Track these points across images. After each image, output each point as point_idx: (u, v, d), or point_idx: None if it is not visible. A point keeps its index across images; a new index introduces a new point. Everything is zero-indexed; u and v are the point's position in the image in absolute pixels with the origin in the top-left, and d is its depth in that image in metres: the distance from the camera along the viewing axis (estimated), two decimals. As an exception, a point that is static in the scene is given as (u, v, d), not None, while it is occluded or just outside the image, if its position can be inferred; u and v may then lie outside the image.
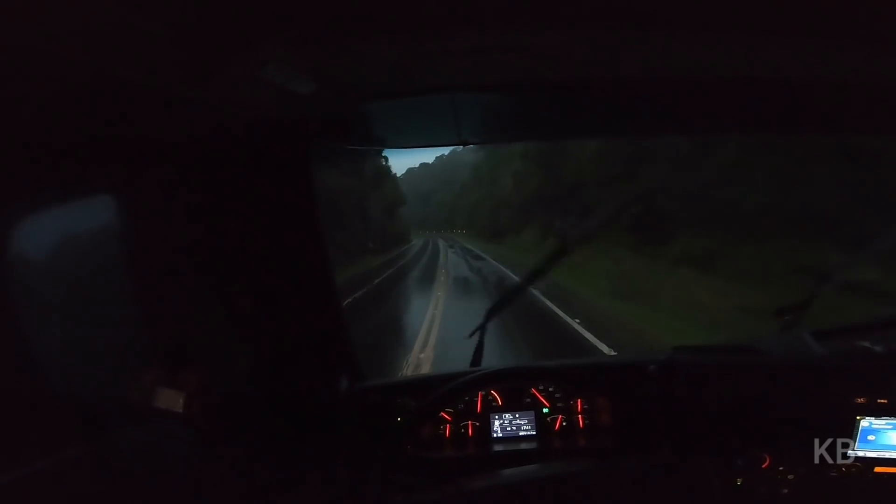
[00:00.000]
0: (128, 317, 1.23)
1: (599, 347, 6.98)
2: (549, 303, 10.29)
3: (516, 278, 14.28)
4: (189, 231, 1.28)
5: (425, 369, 6.12)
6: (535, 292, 10.66)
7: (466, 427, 1.57)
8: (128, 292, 1.23)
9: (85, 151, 1.02)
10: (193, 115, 1.05)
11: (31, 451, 0.94)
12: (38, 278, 1.07)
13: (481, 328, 1.70)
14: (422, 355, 6.80)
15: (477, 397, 1.58)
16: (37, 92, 0.79)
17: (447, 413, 1.57)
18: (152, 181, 1.18)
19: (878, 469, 1.30)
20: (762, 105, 1.32)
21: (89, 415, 1.07)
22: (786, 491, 1.30)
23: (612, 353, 6.28)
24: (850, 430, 1.31)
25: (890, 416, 1.30)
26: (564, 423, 1.57)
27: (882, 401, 1.30)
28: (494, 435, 1.56)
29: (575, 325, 8.48)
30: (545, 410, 1.58)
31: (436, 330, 8.36)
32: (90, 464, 1.03)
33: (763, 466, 1.33)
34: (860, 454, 1.31)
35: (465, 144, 1.45)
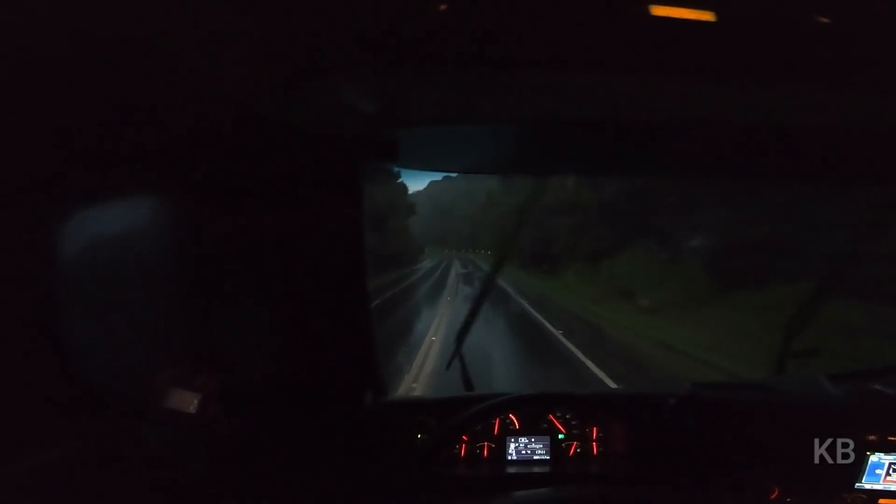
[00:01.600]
0: (157, 317, 1.24)
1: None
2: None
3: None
4: (229, 235, 1.30)
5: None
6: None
7: (482, 448, 1.58)
8: (159, 293, 1.24)
9: (131, 151, 1.03)
10: (261, 124, 1.08)
11: (50, 441, 0.95)
12: (75, 276, 1.07)
13: (457, 355, 1.75)
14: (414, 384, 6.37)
15: (495, 421, 1.60)
16: (87, 90, 0.81)
17: (465, 434, 1.58)
18: (197, 183, 1.20)
19: (881, 501, 1.37)
20: (804, 154, 1.38)
21: (113, 409, 1.07)
22: None
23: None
24: (860, 465, 1.37)
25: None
26: (579, 450, 1.59)
27: (892, 438, 1.36)
28: (509, 457, 1.58)
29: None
30: (561, 436, 1.60)
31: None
32: (101, 457, 1.02)
33: (772, 497, 1.37)
34: (867, 487, 1.37)
35: (503, 174, 1.49)
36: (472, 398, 1.58)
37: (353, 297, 1.49)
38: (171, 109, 0.97)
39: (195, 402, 1.13)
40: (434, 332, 10.04)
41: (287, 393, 1.46)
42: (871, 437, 1.37)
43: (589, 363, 7.45)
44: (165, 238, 1.24)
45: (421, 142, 1.41)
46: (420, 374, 6.85)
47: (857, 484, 1.36)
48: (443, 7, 0.76)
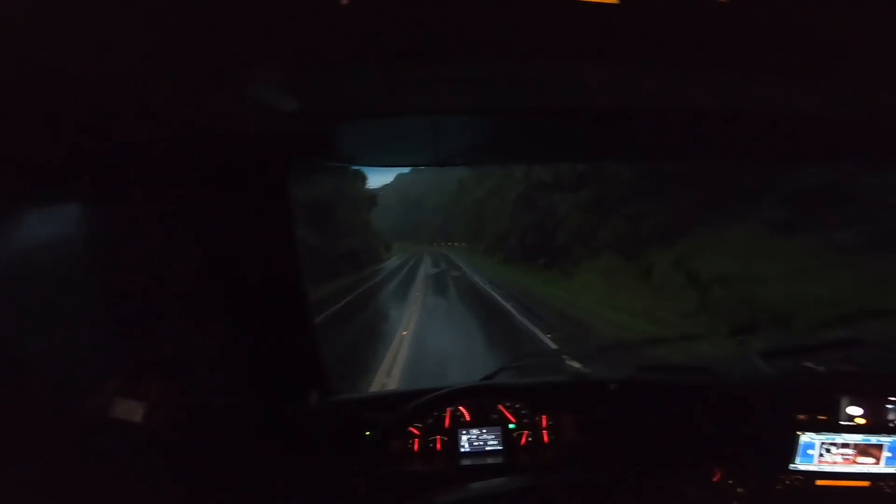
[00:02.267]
0: (97, 326, 1.20)
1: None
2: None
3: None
4: (163, 241, 1.27)
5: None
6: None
7: (435, 442, 1.59)
8: (98, 301, 1.21)
9: (63, 159, 1.01)
10: (177, 127, 1.05)
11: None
12: (8, 285, 1.05)
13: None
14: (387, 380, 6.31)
15: (445, 413, 1.60)
16: (19, 99, 0.78)
17: (416, 428, 1.58)
18: (129, 190, 1.17)
19: (819, 482, 1.40)
20: (735, 134, 1.41)
21: (54, 424, 1.05)
22: None
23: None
24: (792, 445, 1.41)
25: (829, 432, 1.39)
26: (530, 439, 1.61)
27: (821, 417, 1.40)
28: (462, 450, 1.59)
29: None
30: (511, 426, 1.61)
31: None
32: (49, 475, 1.00)
33: (714, 480, 1.40)
34: (801, 468, 1.41)
35: (443, 165, 1.48)
36: (420, 392, 1.58)
37: (291, 296, 1.47)
38: (93, 119, 0.93)
39: (140, 410, 1.12)
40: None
41: (231, 397, 1.43)
42: (801, 417, 1.41)
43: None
44: (95, 246, 1.21)
45: (357, 137, 1.39)
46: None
47: (792, 465, 1.41)
48: (344, 1, 0.74)
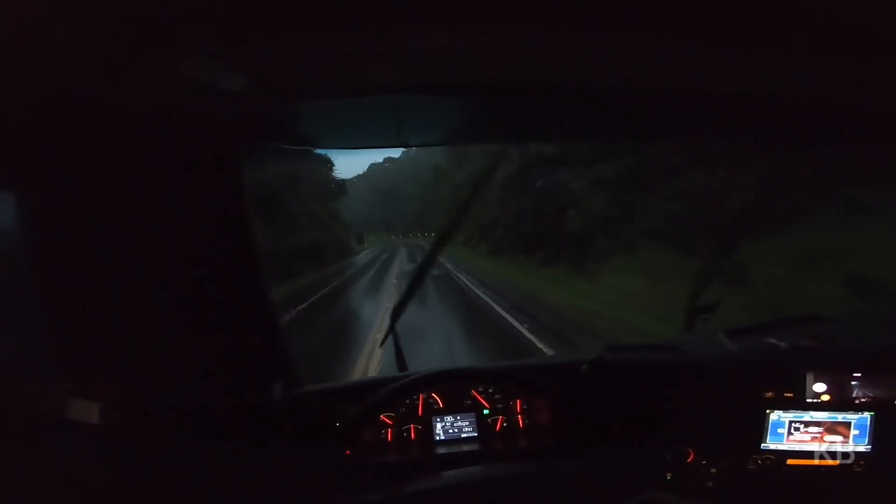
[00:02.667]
0: (36, 324, 1.14)
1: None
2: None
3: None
4: (109, 235, 1.20)
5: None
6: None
7: (409, 430, 1.56)
8: (37, 298, 1.14)
9: None
10: (109, 112, 0.97)
11: None
12: None
13: (391, 332, 1.71)
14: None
15: (418, 400, 1.57)
16: None
17: (389, 417, 1.55)
18: (69, 181, 1.10)
19: (790, 461, 1.41)
20: (710, 114, 1.39)
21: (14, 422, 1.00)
22: (710, 484, 1.39)
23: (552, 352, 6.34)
24: (761, 424, 1.41)
25: (796, 410, 1.40)
26: (505, 424, 1.60)
27: (788, 395, 1.41)
28: (437, 438, 1.57)
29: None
30: (486, 412, 1.60)
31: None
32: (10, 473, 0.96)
33: (688, 461, 1.41)
34: (772, 447, 1.42)
35: (406, 147, 1.43)
36: (390, 379, 1.55)
37: (249, 287, 1.41)
38: (23, 108, 0.86)
39: (96, 410, 1.10)
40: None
41: (191, 393, 1.38)
42: (769, 395, 1.42)
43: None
44: (34, 244, 1.13)
45: (312, 118, 1.33)
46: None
47: (763, 444, 1.41)
48: None
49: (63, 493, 1.04)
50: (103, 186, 1.15)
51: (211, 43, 0.83)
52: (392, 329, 1.71)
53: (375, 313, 10.24)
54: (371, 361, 6.67)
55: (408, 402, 1.57)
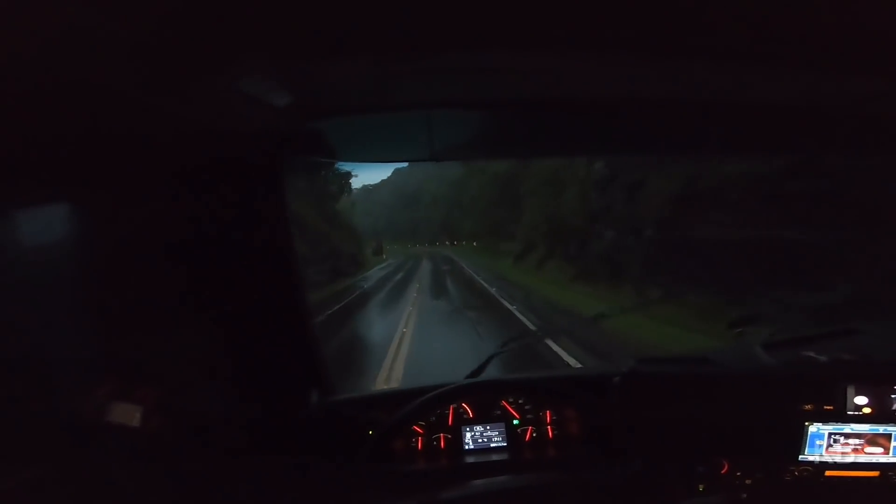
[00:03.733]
0: (86, 329, 1.19)
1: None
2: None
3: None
4: (154, 242, 1.25)
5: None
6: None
7: (438, 440, 1.57)
8: (85, 304, 1.19)
9: (47, 158, 0.99)
10: (166, 124, 1.03)
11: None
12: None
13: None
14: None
15: (448, 410, 1.59)
16: (6, 100, 0.76)
17: (419, 426, 1.57)
18: (120, 190, 1.16)
19: (828, 473, 1.38)
20: (737, 127, 1.39)
21: (45, 431, 1.03)
22: (744, 496, 1.37)
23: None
24: (800, 436, 1.39)
25: (836, 422, 1.38)
26: (534, 435, 1.59)
27: (828, 407, 1.38)
28: (466, 447, 1.57)
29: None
30: (515, 422, 1.60)
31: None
32: (46, 482, 0.99)
33: (722, 472, 1.39)
34: (810, 459, 1.39)
35: (438, 160, 1.47)
36: (422, 389, 1.57)
37: (288, 296, 1.45)
38: (83, 119, 0.92)
39: (137, 414, 1.11)
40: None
41: (230, 400, 1.42)
42: (808, 407, 1.39)
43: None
44: (86, 249, 1.19)
45: (351, 133, 1.37)
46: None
47: (801, 456, 1.39)
48: None
49: (100, 495, 1.07)
50: (152, 196, 1.20)
51: (262, 62, 0.88)
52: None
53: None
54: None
55: (438, 411, 1.58)
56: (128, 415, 1.10)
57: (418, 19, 0.82)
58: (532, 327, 8.79)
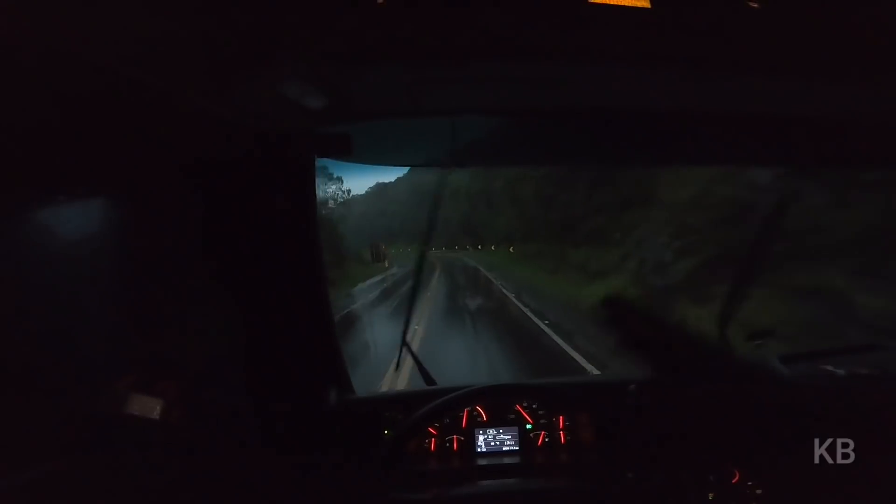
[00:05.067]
0: (109, 322, 1.21)
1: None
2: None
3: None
4: (180, 237, 1.28)
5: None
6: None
7: (451, 441, 1.59)
8: (110, 297, 1.21)
9: (80, 154, 1.01)
10: (204, 123, 1.06)
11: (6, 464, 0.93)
12: (20, 281, 1.05)
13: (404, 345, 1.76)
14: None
15: (462, 413, 1.60)
16: (45, 89, 0.79)
17: (433, 427, 1.58)
18: (148, 186, 1.18)
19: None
20: (759, 138, 1.40)
21: (68, 423, 1.06)
22: None
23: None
24: (813, 448, 1.38)
25: (849, 436, 1.37)
26: (547, 439, 1.60)
27: (845, 420, 1.38)
28: (478, 449, 1.59)
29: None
30: (528, 426, 1.61)
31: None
32: (64, 475, 1.02)
33: (733, 482, 1.39)
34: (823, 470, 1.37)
35: (461, 166, 1.49)
36: (439, 391, 1.58)
37: (311, 295, 1.47)
38: (117, 115, 0.94)
39: (158, 407, 1.13)
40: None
41: (249, 395, 1.44)
42: (824, 420, 1.39)
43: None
44: (112, 243, 1.21)
45: (379, 136, 1.40)
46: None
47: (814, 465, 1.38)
48: (380, 1, 0.75)
49: (123, 486, 1.09)
50: (182, 193, 1.23)
51: (301, 66, 0.91)
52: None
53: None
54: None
55: (453, 413, 1.60)
56: (148, 407, 1.12)
57: (450, 29, 0.84)
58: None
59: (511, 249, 24.20)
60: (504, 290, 14.23)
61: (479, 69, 1.00)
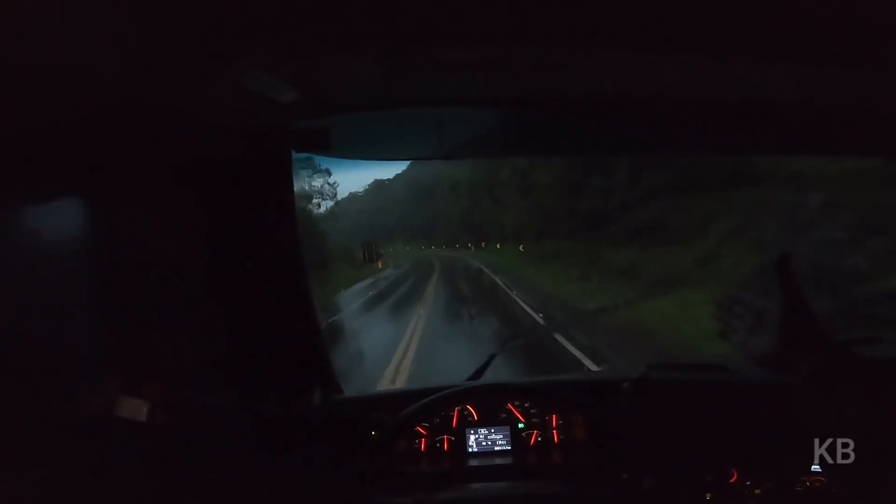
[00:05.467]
0: (93, 324, 1.20)
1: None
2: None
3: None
4: (160, 238, 1.26)
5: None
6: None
7: (442, 442, 1.56)
8: (94, 299, 1.20)
9: (56, 154, 1.00)
10: (170, 122, 1.03)
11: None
12: (9, 285, 1.05)
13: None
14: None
15: (453, 412, 1.57)
16: (11, 93, 0.76)
17: (423, 427, 1.56)
18: (124, 186, 1.16)
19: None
20: (751, 126, 1.36)
21: (50, 426, 1.04)
22: None
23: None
24: (813, 447, 1.35)
25: (849, 436, 1.34)
26: (539, 439, 1.57)
27: (846, 417, 1.34)
28: (470, 450, 1.56)
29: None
30: (520, 426, 1.58)
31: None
32: (54, 478, 1.00)
33: (731, 482, 1.36)
34: (822, 468, 1.34)
35: (447, 159, 1.45)
36: (426, 391, 1.55)
37: (293, 295, 1.45)
38: (90, 115, 0.92)
39: (145, 409, 1.11)
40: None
41: (233, 396, 1.42)
42: (826, 418, 1.34)
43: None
44: (93, 245, 1.20)
45: (359, 130, 1.37)
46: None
47: (814, 466, 1.34)
48: None
49: (109, 490, 1.08)
50: (158, 193, 1.21)
51: (267, 57, 0.87)
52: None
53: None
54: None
55: (442, 413, 1.57)
56: (135, 410, 1.11)
57: (423, 13, 0.80)
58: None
59: (521, 248, 20.96)
60: (526, 307, 10.13)
61: (454, 56, 0.96)
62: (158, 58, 0.80)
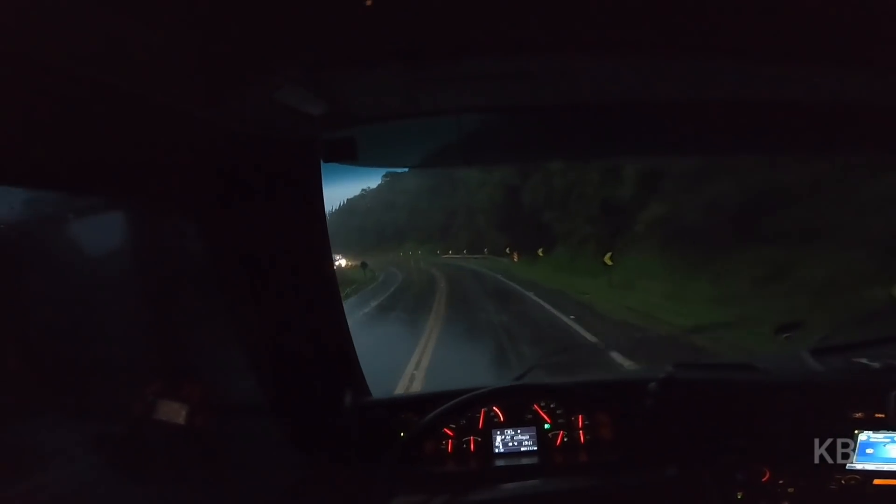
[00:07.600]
0: (133, 330, 1.25)
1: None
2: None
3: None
4: (196, 246, 1.31)
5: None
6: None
7: (468, 442, 1.58)
8: (133, 305, 1.26)
9: (94, 165, 1.03)
10: (206, 133, 1.08)
11: (34, 465, 0.97)
12: (45, 291, 1.09)
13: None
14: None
15: (479, 414, 1.59)
16: (48, 104, 0.80)
17: (449, 429, 1.58)
18: (161, 196, 1.20)
19: (876, 481, 1.32)
20: (775, 126, 1.36)
21: (94, 428, 1.10)
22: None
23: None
24: (849, 445, 1.33)
25: (888, 430, 1.32)
26: (566, 439, 1.58)
27: (879, 415, 1.32)
28: (496, 450, 1.57)
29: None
30: (546, 426, 1.59)
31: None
32: (93, 478, 1.05)
33: (763, 480, 1.34)
34: (859, 467, 1.33)
35: (470, 165, 1.48)
36: (453, 393, 1.58)
37: (324, 300, 1.49)
38: (126, 127, 0.96)
39: (183, 412, 1.15)
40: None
41: (266, 399, 1.46)
42: (858, 415, 1.33)
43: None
44: (133, 252, 1.25)
45: (385, 139, 1.41)
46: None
47: (849, 465, 1.33)
48: (368, 2, 0.75)
49: (149, 491, 1.13)
50: (198, 201, 1.26)
51: (297, 72, 0.91)
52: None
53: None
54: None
55: (469, 414, 1.59)
56: (174, 412, 1.14)
57: (444, 28, 0.84)
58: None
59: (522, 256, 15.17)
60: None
61: (475, 66, 0.99)
62: (200, 76, 0.85)
